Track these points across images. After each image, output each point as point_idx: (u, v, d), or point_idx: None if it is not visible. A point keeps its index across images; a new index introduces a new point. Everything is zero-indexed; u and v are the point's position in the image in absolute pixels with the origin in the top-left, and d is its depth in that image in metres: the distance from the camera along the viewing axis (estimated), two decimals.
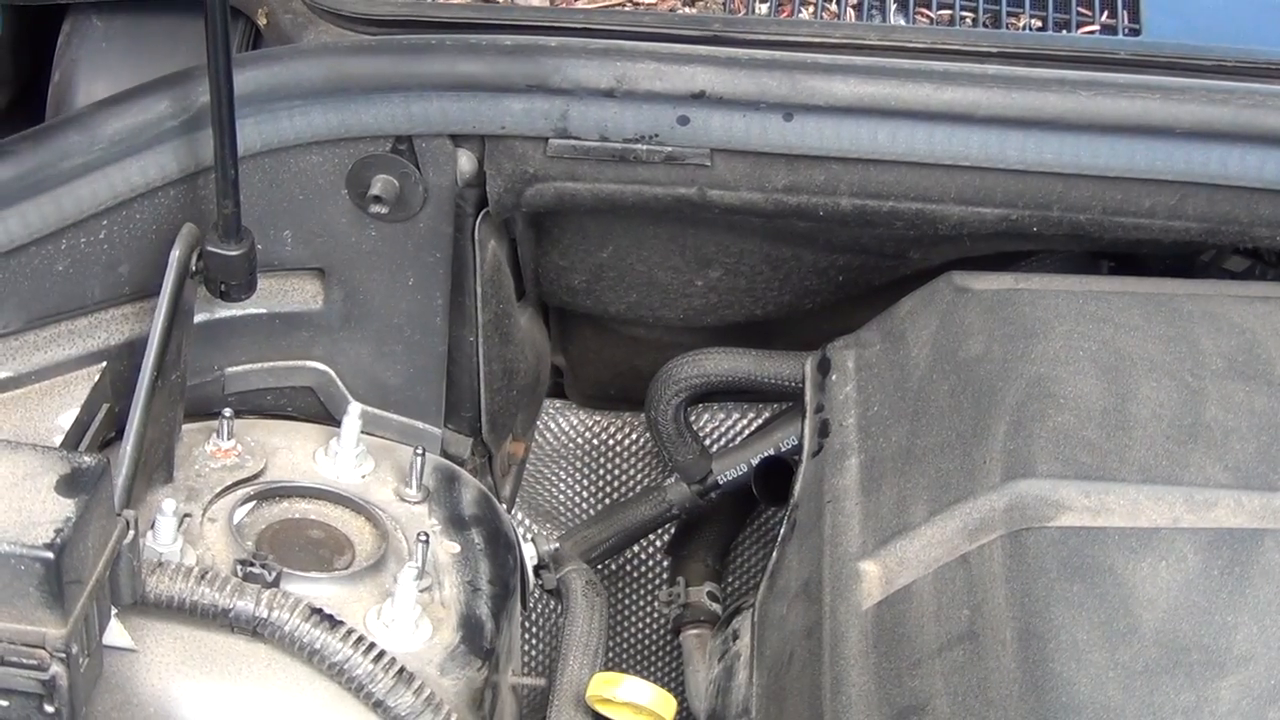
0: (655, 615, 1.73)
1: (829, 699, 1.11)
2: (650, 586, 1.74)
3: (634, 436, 1.69)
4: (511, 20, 1.35)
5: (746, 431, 1.62)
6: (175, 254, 1.24)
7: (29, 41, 1.57)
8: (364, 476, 1.31)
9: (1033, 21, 1.41)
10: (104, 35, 1.49)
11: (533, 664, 1.67)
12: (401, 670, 1.14)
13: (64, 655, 0.99)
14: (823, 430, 1.31)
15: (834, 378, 1.34)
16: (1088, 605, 1.04)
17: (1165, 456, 1.14)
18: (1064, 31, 1.40)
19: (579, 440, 1.70)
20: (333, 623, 1.13)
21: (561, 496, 1.70)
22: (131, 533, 1.05)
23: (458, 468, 1.40)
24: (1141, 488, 1.12)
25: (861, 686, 1.10)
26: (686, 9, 1.41)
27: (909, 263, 1.45)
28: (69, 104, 1.47)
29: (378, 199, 1.34)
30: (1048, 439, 1.16)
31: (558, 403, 1.69)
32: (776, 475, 1.49)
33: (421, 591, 1.21)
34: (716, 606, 1.50)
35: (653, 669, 1.73)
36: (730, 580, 1.64)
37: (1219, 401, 1.19)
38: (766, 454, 1.51)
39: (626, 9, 1.41)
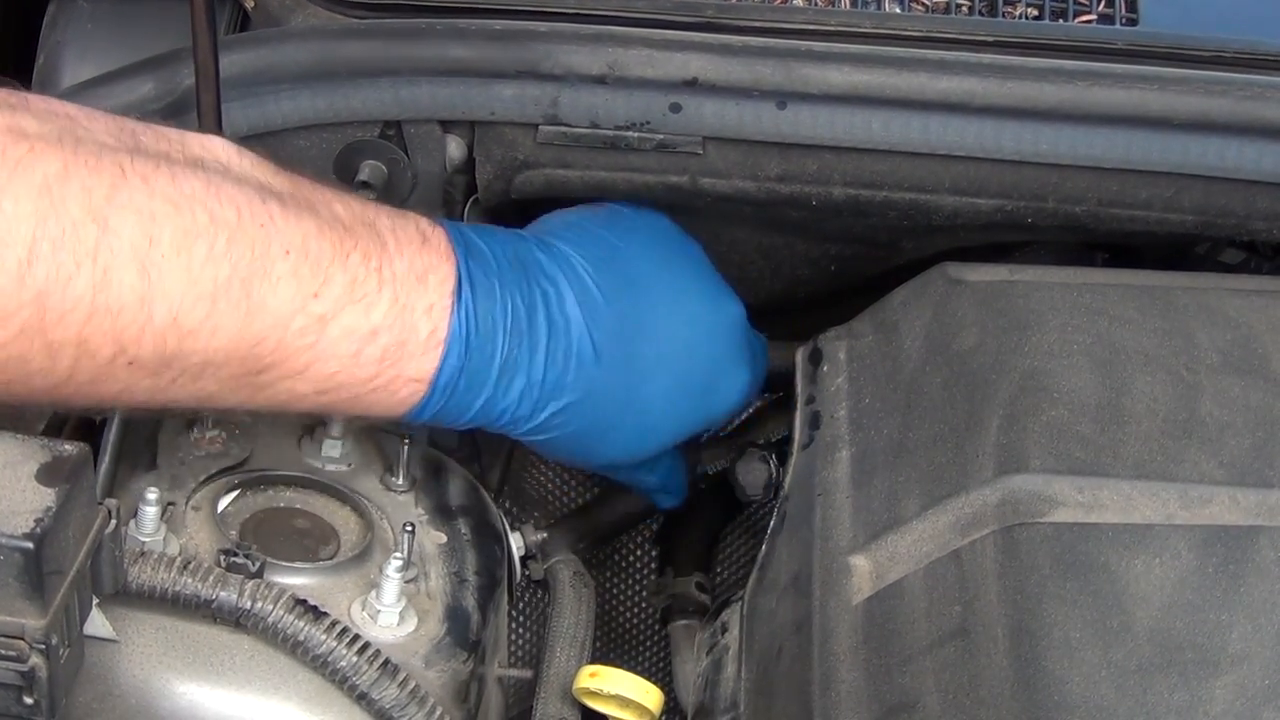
0: (643, 606, 1.73)
1: (818, 695, 1.10)
2: (638, 576, 1.73)
3: None
4: (502, 5, 1.34)
5: (735, 422, 1.61)
6: None
7: (13, 24, 1.56)
8: (350, 465, 1.29)
9: (1029, 10, 1.40)
10: (90, 18, 1.47)
11: (519, 655, 1.66)
12: (386, 662, 1.12)
13: (43, 646, 0.97)
14: (814, 422, 1.30)
15: (825, 369, 1.33)
16: (1081, 602, 1.03)
17: (1160, 452, 1.13)
18: (1060, 21, 1.39)
19: None
20: (316, 614, 1.12)
21: (550, 485, 1.69)
22: (113, 522, 1.04)
23: (445, 457, 1.39)
24: (1135, 483, 1.11)
25: (851, 683, 1.09)
26: None
27: (902, 253, 1.44)
28: (54, 88, 1.45)
29: (366, 184, 1.33)
30: (1041, 433, 1.15)
31: None
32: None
33: (407, 582, 1.20)
34: (705, 597, 1.49)
35: (641, 660, 1.72)
36: (719, 571, 1.63)
37: (1214, 396, 1.18)
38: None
39: None
